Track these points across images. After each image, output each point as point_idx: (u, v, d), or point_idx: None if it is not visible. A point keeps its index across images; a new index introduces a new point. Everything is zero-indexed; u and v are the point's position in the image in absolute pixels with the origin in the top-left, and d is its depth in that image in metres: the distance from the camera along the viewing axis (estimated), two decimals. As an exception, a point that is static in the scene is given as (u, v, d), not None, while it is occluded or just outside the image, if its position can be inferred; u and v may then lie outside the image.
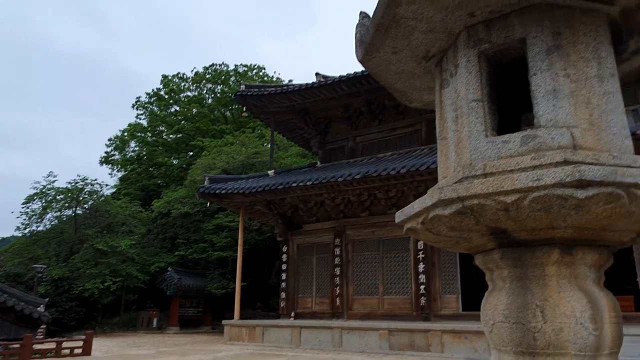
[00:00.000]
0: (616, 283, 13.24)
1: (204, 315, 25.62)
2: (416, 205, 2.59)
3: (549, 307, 2.25)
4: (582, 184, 1.98)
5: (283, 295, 16.84)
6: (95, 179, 26.81)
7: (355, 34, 3.25)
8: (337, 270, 15.55)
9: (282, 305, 16.77)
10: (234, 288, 17.78)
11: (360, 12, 3.27)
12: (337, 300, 15.24)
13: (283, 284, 16.97)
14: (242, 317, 17.28)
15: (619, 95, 2.43)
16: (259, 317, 22.50)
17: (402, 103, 3.89)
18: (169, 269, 24.05)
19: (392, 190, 14.32)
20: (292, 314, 16.11)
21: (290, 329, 14.49)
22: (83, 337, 12.77)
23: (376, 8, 2.80)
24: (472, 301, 12.16)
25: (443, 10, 2.60)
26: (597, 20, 2.47)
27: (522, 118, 3.10)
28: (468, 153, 2.53)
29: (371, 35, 2.93)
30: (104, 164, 40.62)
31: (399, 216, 2.84)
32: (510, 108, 2.90)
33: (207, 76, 39.73)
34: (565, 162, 2.12)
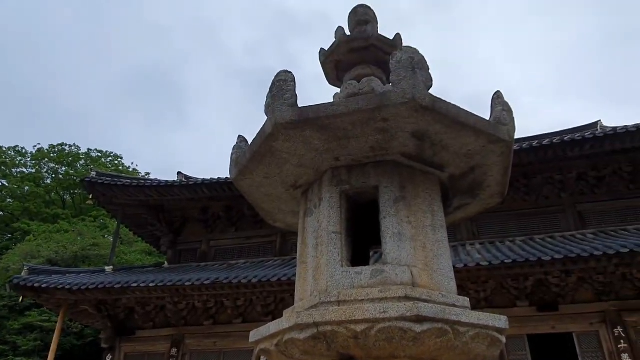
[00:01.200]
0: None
1: None
2: (272, 327, 2.66)
3: None
4: (419, 319, 2.30)
5: (97, 417, 14.26)
6: None
7: (232, 154, 3.46)
8: (169, 387, 13.94)
9: None
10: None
11: (239, 136, 3.53)
12: (163, 423, 13.43)
13: (99, 403, 14.47)
14: None
15: (446, 243, 2.96)
16: None
17: (267, 222, 4.11)
18: (-54, 379, 18.89)
19: (240, 299, 13.95)
20: None
21: None
22: None
23: (255, 138, 3.08)
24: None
25: (314, 151, 2.99)
26: (432, 181, 3.08)
27: (372, 250, 3.52)
28: (325, 280, 2.76)
29: (247, 159, 3.17)
30: None
31: (254, 336, 2.86)
32: (363, 240, 3.29)
33: (52, 155, 36.19)
34: (407, 298, 2.46)
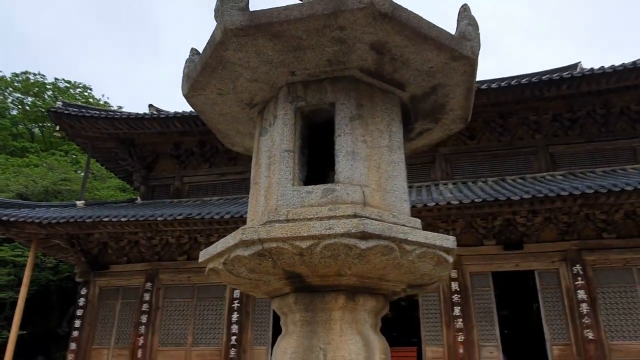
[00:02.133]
0: (402, 335, 14.98)
1: (-39, 371, 20.48)
2: (219, 245, 2.57)
3: (330, 350, 2.41)
4: (364, 235, 2.23)
5: (73, 346, 14.59)
6: None
7: (184, 68, 3.22)
8: (144, 318, 14.23)
9: (70, 358, 14.48)
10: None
11: (192, 49, 3.27)
12: (139, 352, 13.82)
13: (75, 333, 14.75)
14: (14, 373, 14.27)
15: (403, 165, 2.86)
16: (38, 373, 18.98)
17: (225, 145, 3.94)
18: None
19: (214, 235, 14.01)
20: (82, 367, 14.01)
21: (75, 385, 12.52)
22: None
23: (205, 47, 2.84)
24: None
25: (268, 64, 2.78)
26: (392, 101, 2.92)
27: (330, 173, 3.41)
28: (275, 199, 2.65)
29: (198, 72, 2.94)
30: None
31: (203, 255, 2.78)
32: (319, 162, 3.17)
33: (16, 84, 34.46)
34: (355, 216, 2.38)
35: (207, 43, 2.80)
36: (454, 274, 11.93)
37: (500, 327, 11.88)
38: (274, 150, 2.83)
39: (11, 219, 14.39)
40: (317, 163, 3.12)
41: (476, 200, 10.30)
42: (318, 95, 2.85)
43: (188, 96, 3.18)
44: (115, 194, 24.81)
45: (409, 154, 3.74)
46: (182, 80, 3.21)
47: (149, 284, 14.61)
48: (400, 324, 16.01)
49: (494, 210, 10.82)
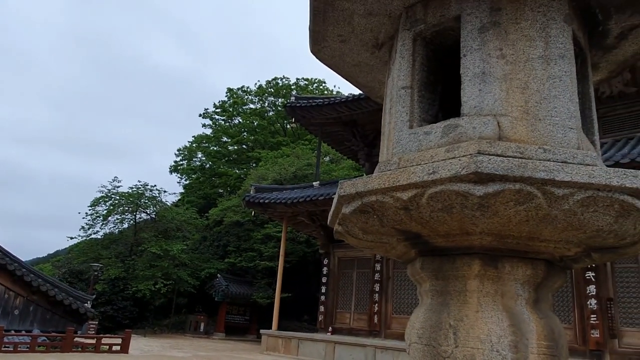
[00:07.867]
0: None
1: (250, 323, 25.83)
2: (333, 204, 2.31)
3: (462, 328, 1.88)
4: (480, 178, 1.63)
5: (322, 309, 16.55)
6: (154, 185, 28.13)
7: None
8: (377, 287, 15.03)
9: (320, 319, 16.47)
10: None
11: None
12: (375, 317, 14.70)
13: (322, 297, 16.69)
14: (287, 329, 17.15)
15: (568, 79, 2.01)
16: (305, 330, 22.29)
17: (375, 100, 3.62)
18: (218, 275, 24.58)
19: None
20: (330, 328, 15.76)
21: (324, 343, 14.16)
22: (122, 335, 13.31)
23: (310, -9, 2.59)
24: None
25: (375, -12, 2.34)
26: (545, -8, 2.09)
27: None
28: (392, 147, 2.24)
29: (312, 21, 2.71)
30: (173, 173, 42.78)
31: (330, 216, 2.56)
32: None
33: (270, 90, 40.80)
34: (479, 154, 1.77)
35: (311, -15, 2.55)
36: None
37: None
38: (393, 91, 2.39)
39: (266, 201, 17.10)
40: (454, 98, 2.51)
41: None
42: (440, 12, 2.26)
43: (314, 51, 2.98)
44: (349, 173, 26.85)
45: (611, 70, 2.72)
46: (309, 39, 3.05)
47: (378, 255, 15.29)
48: None
49: None
